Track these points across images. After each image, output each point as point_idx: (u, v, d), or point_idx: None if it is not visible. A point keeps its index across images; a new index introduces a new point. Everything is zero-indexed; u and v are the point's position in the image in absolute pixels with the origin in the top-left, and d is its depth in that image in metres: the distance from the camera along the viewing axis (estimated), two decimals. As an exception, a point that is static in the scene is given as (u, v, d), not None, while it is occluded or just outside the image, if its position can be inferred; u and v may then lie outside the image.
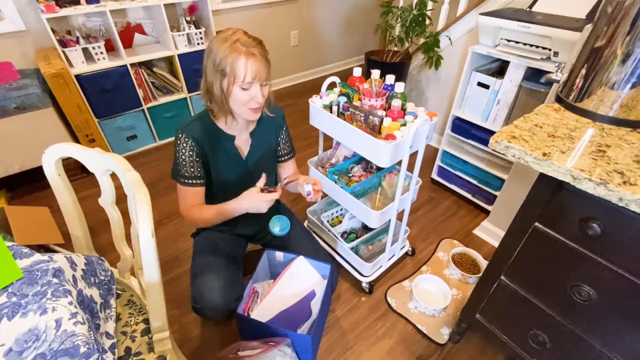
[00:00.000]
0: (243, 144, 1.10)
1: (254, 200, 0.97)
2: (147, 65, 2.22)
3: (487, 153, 1.72)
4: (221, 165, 1.07)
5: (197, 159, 1.02)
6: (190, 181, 1.03)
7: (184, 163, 1.01)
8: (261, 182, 0.99)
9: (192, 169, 1.02)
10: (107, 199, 0.85)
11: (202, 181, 1.06)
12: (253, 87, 0.91)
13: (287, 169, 1.25)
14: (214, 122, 1.03)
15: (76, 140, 2.00)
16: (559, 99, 0.84)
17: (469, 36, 1.98)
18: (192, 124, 1.00)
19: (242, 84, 0.89)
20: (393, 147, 0.99)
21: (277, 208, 1.28)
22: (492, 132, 1.60)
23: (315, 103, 1.20)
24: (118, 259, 0.94)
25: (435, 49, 2.06)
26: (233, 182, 1.11)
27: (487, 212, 1.79)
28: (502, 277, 0.95)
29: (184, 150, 1.00)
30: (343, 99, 1.16)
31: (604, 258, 0.71)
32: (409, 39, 2.16)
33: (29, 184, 1.99)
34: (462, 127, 1.74)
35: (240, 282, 1.15)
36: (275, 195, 0.97)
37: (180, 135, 0.99)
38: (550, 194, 0.74)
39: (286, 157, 1.22)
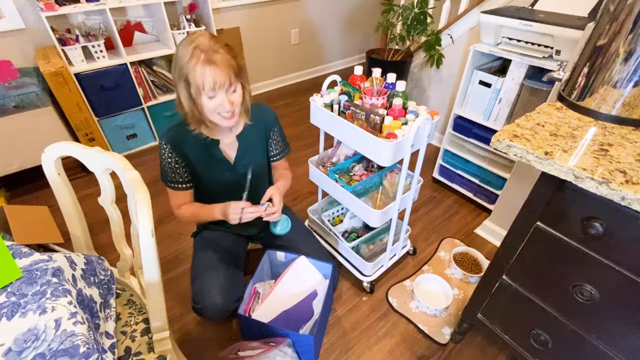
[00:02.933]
0: (229, 147, 1.09)
1: (229, 212, 1.00)
2: (147, 63, 2.21)
3: (488, 152, 1.71)
4: (207, 170, 1.07)
5: (177, 165, 1.03)
6: (175, 185, 1.06)
7: (166, 169, 1.03)
8: (248, 203, 1.01)
9: (174, 175, 1.04)
10: (106, 198, 0.85)
11: (186, 185, 1.07)
12: (218, 94, 0.89)
13: (277, 168, 1.25)
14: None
15: (76, 139, 2.00)
16: (561, 98, 0.84)
17: (470, 34, 1.97)
18: (173, 130, 1.02)
19: (205, 92, 0.88)
20: (394, 146, 0.99)
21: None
22: (493, 131, 1.60)
23: (316, 102, 1.20)
24: (118, 258, 0.94)
25: (437, 47, 2.06)
26: (223, 185, 1.11)
27: (489, 211, 1.79)
28: (504, 277, 0.94)
29: (164, 157, 1.02)
30: (344, 98, 1.16)
31: (606, 257, 0.70)
32: (410, 38, 2.15)
33: (28, 183, 1.99)
34: (464, 126, 1.73)
35: (241, 282, 1.15)
36: (253, 214, 1.01)
37: (161, 142, 1.01)
38: (552, 193, 0.74)
39: (277, 158, 1.21)
